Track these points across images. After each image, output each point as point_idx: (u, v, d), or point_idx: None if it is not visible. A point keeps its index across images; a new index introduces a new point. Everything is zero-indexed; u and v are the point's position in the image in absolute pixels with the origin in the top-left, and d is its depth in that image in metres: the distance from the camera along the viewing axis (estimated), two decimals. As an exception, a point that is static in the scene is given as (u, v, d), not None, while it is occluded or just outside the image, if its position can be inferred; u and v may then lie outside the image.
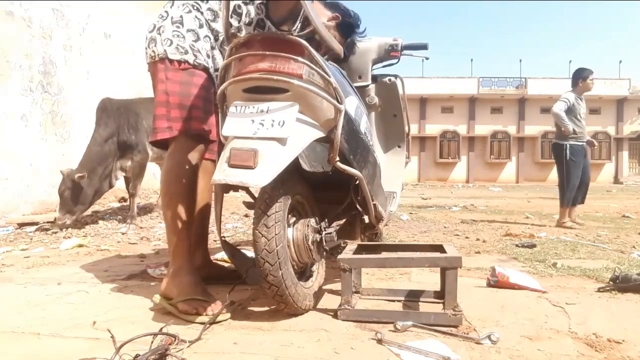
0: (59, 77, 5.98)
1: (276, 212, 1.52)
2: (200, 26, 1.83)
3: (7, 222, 4.62)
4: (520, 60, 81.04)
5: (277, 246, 1.49)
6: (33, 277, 2.35)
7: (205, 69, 1.83)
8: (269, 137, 1.43)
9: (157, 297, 1.75)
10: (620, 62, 60.05)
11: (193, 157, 1.82)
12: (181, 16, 1.82)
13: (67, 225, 4.18)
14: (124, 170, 4.63)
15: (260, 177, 1.38)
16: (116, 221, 4.75)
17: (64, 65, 6.10)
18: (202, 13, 1.83)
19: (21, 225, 4.49)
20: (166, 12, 1.85)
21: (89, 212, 4.98)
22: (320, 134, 1.59)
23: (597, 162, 28.39)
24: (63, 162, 5.96)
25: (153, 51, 1.83)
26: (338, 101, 1.59)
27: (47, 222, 4.46)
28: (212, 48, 1.87)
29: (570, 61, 64.38)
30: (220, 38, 1.87)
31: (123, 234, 4.07)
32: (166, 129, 1.79)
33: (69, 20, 6.18)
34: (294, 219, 1.71)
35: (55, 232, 4.05)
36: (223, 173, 1.41)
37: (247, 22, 1.87)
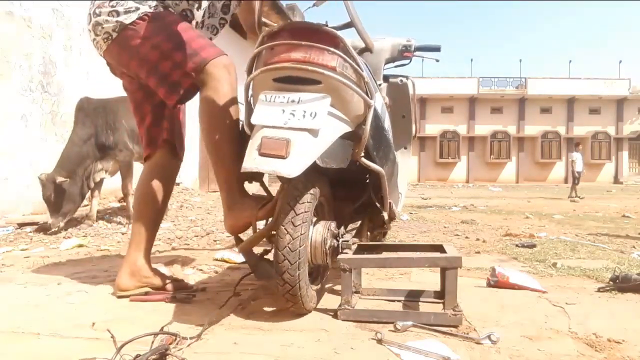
0: (59, 77, 5.98)
1: (305, 211, 1.50)
2: None
3: (7, 222, 4.61)
4: (520, 60, 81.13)
5: (300, 246, 1.48)
6: (33, 277, 2.35)
7: (166, 7, 1.75)
8: (300, 128, 1.41)
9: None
10: (620, 62, 60.14)
11: (227, 82, 1.72)
12: None
13: (62, 228, 4.13)
14: (107, 171, 4.56)
15: (292, 167, 1.37)
16: (116, 221, 4.75)
17: (64, 65, 6.09)
18: None
19: (21, 225, 4.48)
20: None
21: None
22: (348, 129, 1.57)
23: (597, 162, 28.40)
24: (63, 162, 5.96)
25: (106, 32, 1.73)
26: (369, 96, 1.57)
27: (39, 223, 4.44)
28: None
29: (570, 61, 64.44)
30: None
31: (123, 234, 4.07)
32: (185, 75, 1.69)
33: (69, 20, 6.18)
34: (314, 219, 1.69)
35: (56, 232, 4.05)
36: (254, 162, 1.39)
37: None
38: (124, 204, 6.06)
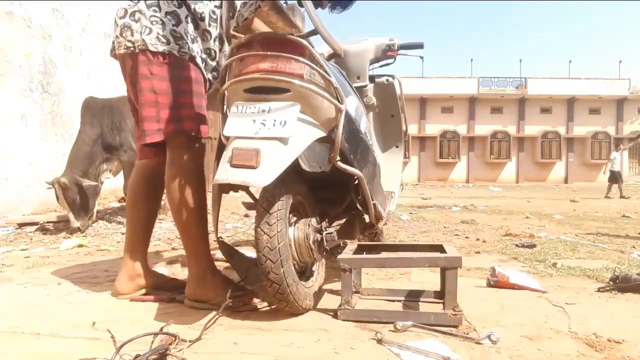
0: (59, 77, 5.98)
1: (278, 210, 1.53)
2: (179, 6, 1.70)
3: (7, 222, 4.61)
4: (520, 60, 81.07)
5: (279, 244, 1.50)
6: (33, 277, 2.35)
7: (192, 59, 1.72)
8: (270, 137, 1.44)
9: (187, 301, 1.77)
10: (620, 62, 60.10)
11: (195, 159, 1.78)
12: None
13: (88, 226, 4.12)
14: (111, 171, 4.53)
15: (262, 177, 1.39)
16: (116, 221, 4.75)
17: (64, 65, 6.09)
18: None
19: (21, 225, 4.49)
20: None
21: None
22: (322, 134, 1.60)
23: (597, 162, 28.36)
24: (63, 162, 5.95)
25: (130, 41, 1.68)
26: (339, 101, 1.59)
27: (40, 223, 4.42)
28: (196, 28, 1.76)
29: (570, 61, 64.52)
30: (206, 20, 1.77)
31: (123, 234, 4.07)
32: (156, 131, 1.70)
33: (69, 20, 6.18)
34: (295, 218, 1.72)
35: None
36: (225, 173, 1.41)
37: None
38: (124, 203, 6.07)
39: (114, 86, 6.37)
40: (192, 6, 1.73)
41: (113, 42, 1.82)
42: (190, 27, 1.73)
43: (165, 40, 1.67)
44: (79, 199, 4.03)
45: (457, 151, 29.49)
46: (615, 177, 13.40)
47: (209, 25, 1.78)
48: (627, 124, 29.21)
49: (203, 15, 1.75)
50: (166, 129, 1.71)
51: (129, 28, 1.69)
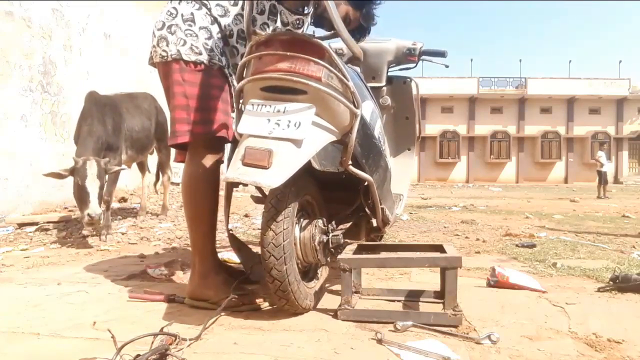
0: (59, 77, 5.97)
1: (286, 207, 1.53)
2: (212, 23, 1.80)
3: (7, 222, 4.61)
4: (520, 60, 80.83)
5: (283, 241, 1.50)
6: (33, 277, 2.35)
7: (221, 68, 1.82)
8: (284, 138, 1.43)
9: (187, 300, 1.79)
10: (620, 62, 60.22)
11: (214, 159, 1.82)
12: (192, 13, 1.78)
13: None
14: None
15: (273, 178, 1.39)
16: (116, 221, 4.75)
17: (64, 65, 6.09)
18: (210, 9, 1.80)
19: (21, 225, 4.48)
20: (175, 8, 1.81)
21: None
22: (335, 138, 1.59)
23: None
24: (63, 162, 5.95)
25: (164, 51, 1.79)
26: (355, 105, 1.59)
27: (40, 223, 4.39)
28: (225, 44, 1.85)
29: (570, 61, 64.69)
30: (234, 37, 1.85)
31: (123, 234, 4.07)
32: (187, 132, 1.78)
33: (69, 20, 6.18)
34: (302, 218, 1.72)
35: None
36: (237, 171, 1.41)
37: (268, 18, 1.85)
38: (125, 204, 6.07)
39: (113, 86, 6.38)
40: (223, 24, 1.82)
41: (151, 52, 1.91)
42: (221, 43, 1.83)
43: (197, 51, 1.77)
44: (105, 184, 3.49)
45: (457, 151, 29.51)
46: (602, 178, 13.42)
47: (237, 42, 1.87)
48: (627, 124, 29.23)
49: (232, 32, 1.85)
50: (195, 130, 1.78)
51: (165, 39, 1.80)
